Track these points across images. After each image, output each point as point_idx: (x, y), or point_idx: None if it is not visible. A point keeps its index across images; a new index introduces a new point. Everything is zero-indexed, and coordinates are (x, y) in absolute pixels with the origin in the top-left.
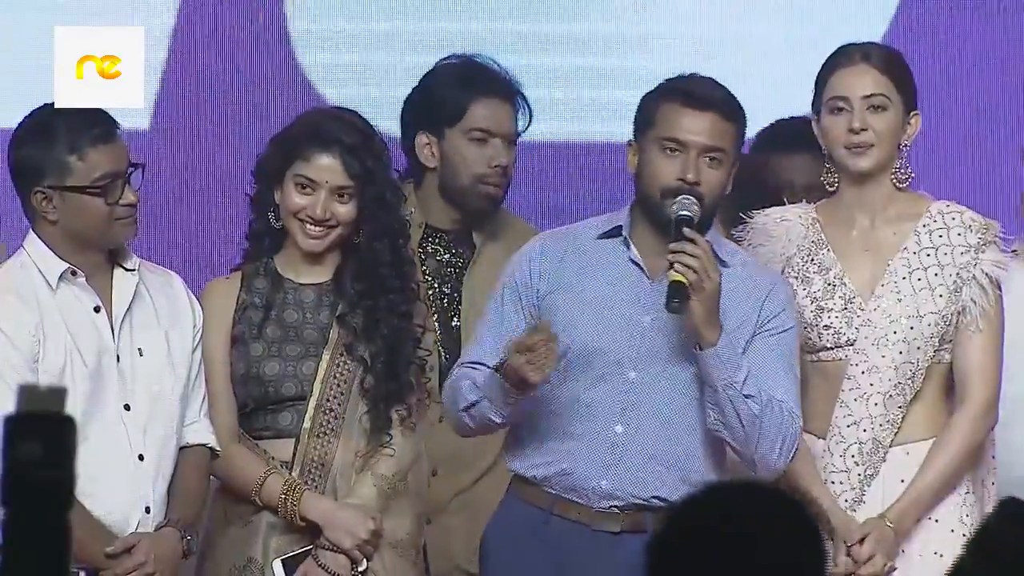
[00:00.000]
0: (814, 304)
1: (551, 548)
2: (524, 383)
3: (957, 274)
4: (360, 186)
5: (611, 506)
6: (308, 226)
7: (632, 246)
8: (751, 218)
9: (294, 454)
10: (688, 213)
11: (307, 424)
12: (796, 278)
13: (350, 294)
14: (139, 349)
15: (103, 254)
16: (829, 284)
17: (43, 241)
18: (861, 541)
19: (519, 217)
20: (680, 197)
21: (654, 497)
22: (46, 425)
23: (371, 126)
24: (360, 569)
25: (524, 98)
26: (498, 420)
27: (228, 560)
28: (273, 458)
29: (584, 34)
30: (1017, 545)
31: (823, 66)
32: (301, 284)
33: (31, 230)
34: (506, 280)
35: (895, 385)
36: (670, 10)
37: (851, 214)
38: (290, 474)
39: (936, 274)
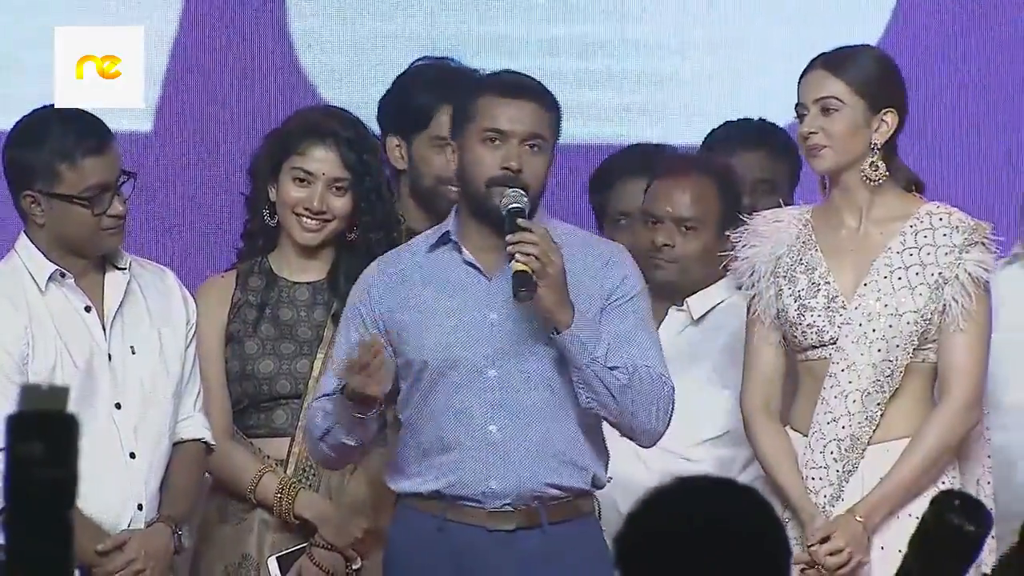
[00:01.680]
0: (797, 303)
1: (449, 554)
2: (367, 400)
3: (939, 273)
4: (356, 178)
5: (504, 504)
6: (304, 219)
7: (464, 249)
8: (750, 220)
9: (288, 452)
10: (518, 204)
11: (302, 423)
12: (783, 277)
13: (344, 292)
14: (131, 347)
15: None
16: (813, 284)
17: (33, 243)
18: (828, 537)
19: None
20: (508, 191)
21: (548, 485)
22: (48, 424)
23: (363, 123)
24: (354, 567)
25: None
26: (352, 443)
27: (223, 558)
28: (268, 456)
29: (596, 36)
30: (952, 537)
31: None
32: (295, 282)
33: (23, 232)
34: (348, 312)
35: (874, 383)
36: (675, 13)
37: (839, 216)
38: (284, 472)
39: (917, 273)
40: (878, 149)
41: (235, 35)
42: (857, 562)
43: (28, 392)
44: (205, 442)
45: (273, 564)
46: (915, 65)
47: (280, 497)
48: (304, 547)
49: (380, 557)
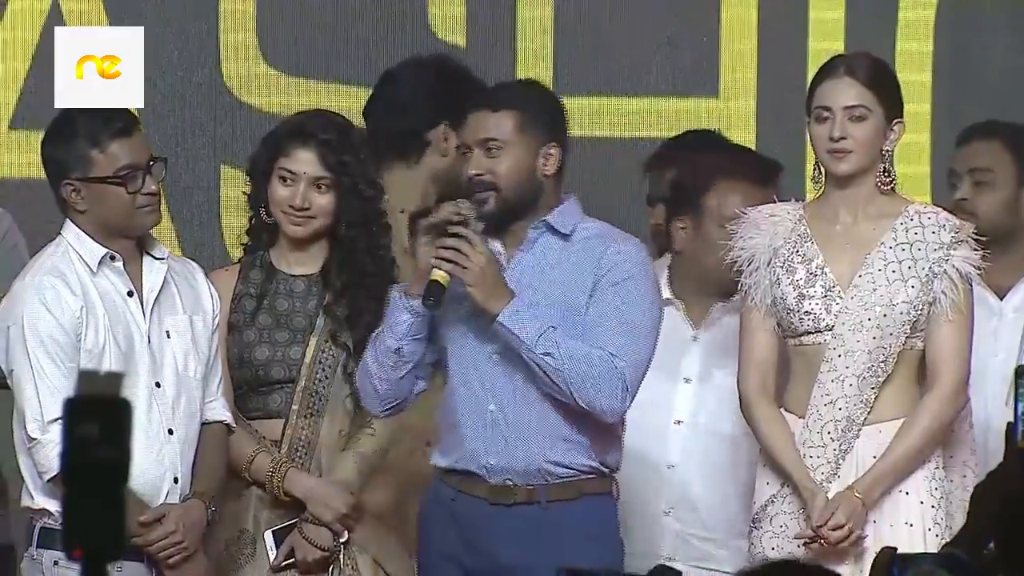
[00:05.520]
0: (796, 292)
1: (457, 525)
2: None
3: (930, 268)
4: (336, 177)
5: (505, 479)
6: (290, 215)
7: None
8: (746, 214)
9: (283, 433)
10: (460, 215)
11: (295, 406)
12: (781, 267)
13: (335, 286)
14: (167, 332)
15: (133, 241)
16: (811, 274)
17: (80, 228)
18: (831, 513)
19: None
20: (447, 204)
21: (547, 462)
22: (104, 407)
23: (349, 124)
24: (341, 540)
25: None
26: (393, 343)
27: (224, 531)
28: (264, 437)
29: None
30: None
31: (814, 76)
32: (292, 275)
33: (67, 220)
34: None
35: (868, 368)
36: None
37: (835, 211)
38: (279, 452)
39: (909, 267)
40: (889, 156)
41: None
42: (856, 536)
43: (85, 377)
44: (226, 424)
45: (269, 537)
46: None
47: (271, 475)
48: (296, 522)
49: (367, 528)
